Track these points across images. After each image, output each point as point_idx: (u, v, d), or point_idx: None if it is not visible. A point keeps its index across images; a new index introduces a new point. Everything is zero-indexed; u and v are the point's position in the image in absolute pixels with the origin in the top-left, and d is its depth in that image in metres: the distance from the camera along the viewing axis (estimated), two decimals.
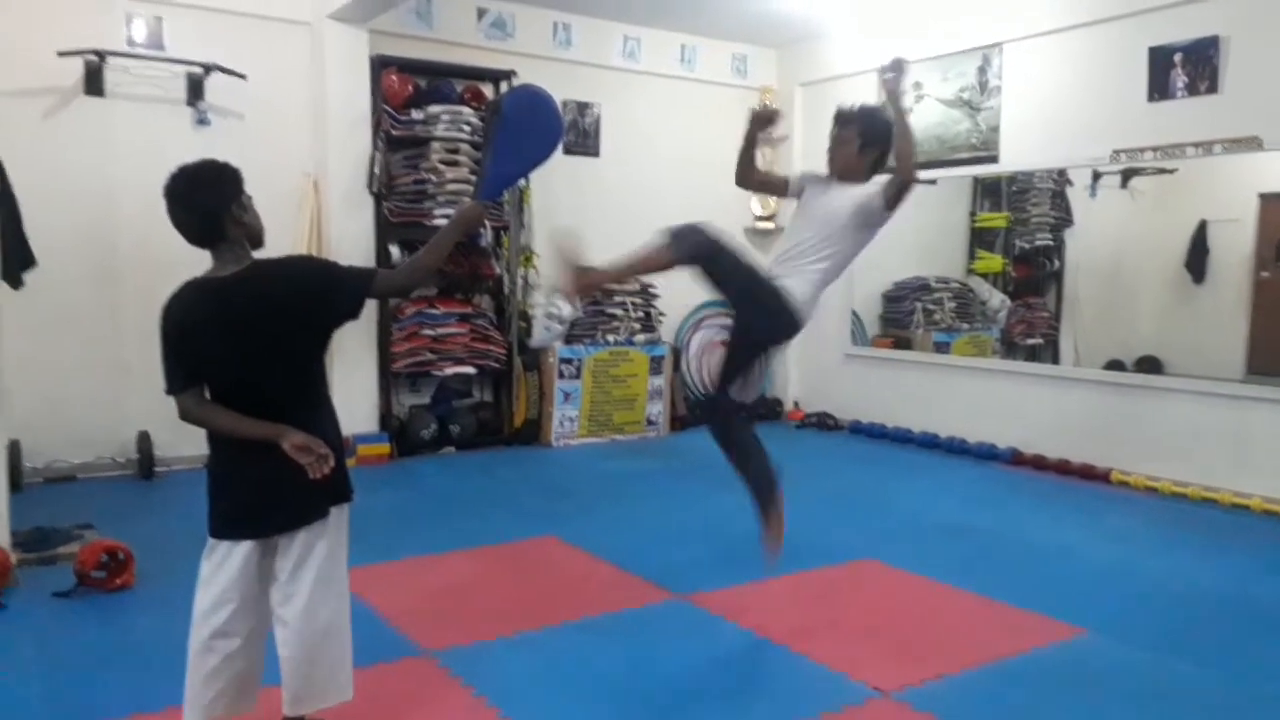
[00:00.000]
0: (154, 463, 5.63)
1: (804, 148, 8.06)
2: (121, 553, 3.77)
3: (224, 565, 2.30)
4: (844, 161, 3.58)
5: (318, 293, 2.29)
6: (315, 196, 6.21)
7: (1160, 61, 5.66)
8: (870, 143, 3.56)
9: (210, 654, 2.29)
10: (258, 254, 2.37)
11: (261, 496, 2.28)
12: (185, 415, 2.28)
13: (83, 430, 5.62)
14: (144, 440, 5.64)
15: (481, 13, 6.83)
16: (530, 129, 2.70)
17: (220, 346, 2.23)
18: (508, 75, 6.74)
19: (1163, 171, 6.05)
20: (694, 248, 3.43)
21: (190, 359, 2.25)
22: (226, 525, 2.31)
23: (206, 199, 2.24)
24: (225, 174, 2.29)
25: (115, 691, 2.93)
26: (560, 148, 2.81)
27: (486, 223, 6.49)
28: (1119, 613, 3.70)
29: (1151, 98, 5.72)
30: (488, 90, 6.84)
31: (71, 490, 5.37)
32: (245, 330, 2.23)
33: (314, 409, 2.35)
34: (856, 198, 3.48)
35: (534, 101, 2.84)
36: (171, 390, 2.28)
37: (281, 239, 6.18)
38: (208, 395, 2.29)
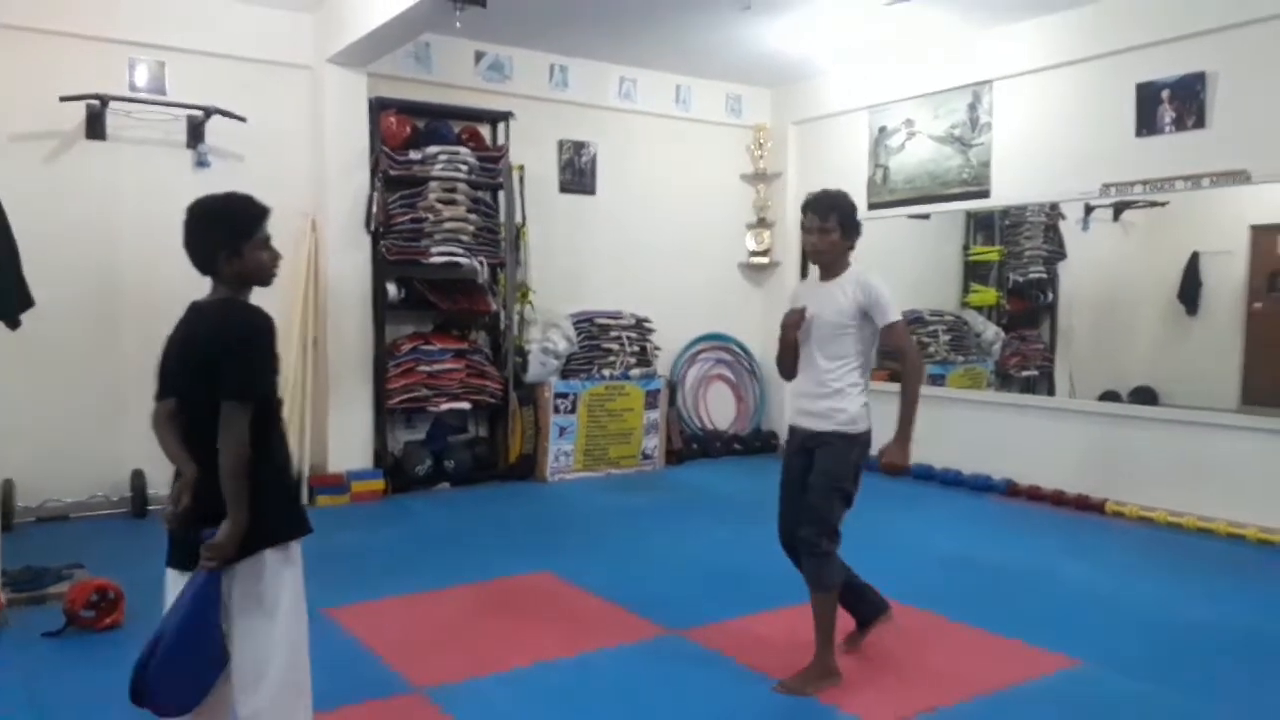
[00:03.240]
0: (147, 501, 5.62)
1: (797, 184, 8.15)
2: (112, 591, 3.76)
3: (169, 595, 2.34)
4: (830, 250, 3.42)
5: (212, 358, 2.26)
6: (313, 235, 6.28)
7: (1148, 97, 5.74)
8: (849, 229, 3.43)
9: None
10: (259, 292, 2.43)
11: (177, 529, 2.30)
12: (151, 421, 2.37)
13: (77, 469, 5.63)
14: (137, 478, 5.64)
15: (479, 55, 6.94)
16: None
17: (174, 364, 2.35)
18: (505, 116, 6.84)
19: (1154, 205, 6.10)
20: (838, 568, 3.39)
21: (161, 371, 2.38)
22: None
23: (205, 234, 2.32)
24: (232, 215, 2.34)
25: None
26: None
27: (483, 262, 6.55)
28: (1116, 644, 3.68)
29: (1140, 133, 5.79)
30: (485, 131, 6.93)
31: (64, 529, 5.36)
32: (185, 354, 2.32)
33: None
34: (853, 300, 3.36)
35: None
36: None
37: (279, 277, 6.28)
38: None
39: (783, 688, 3.29)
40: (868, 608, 3.58)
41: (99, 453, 5.67)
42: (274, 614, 2.30)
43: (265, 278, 2.43)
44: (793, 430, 3.50)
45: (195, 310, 2.39)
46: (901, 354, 3.43)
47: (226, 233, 2.32)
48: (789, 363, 3.51)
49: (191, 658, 2.22)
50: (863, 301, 3.34)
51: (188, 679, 2.24)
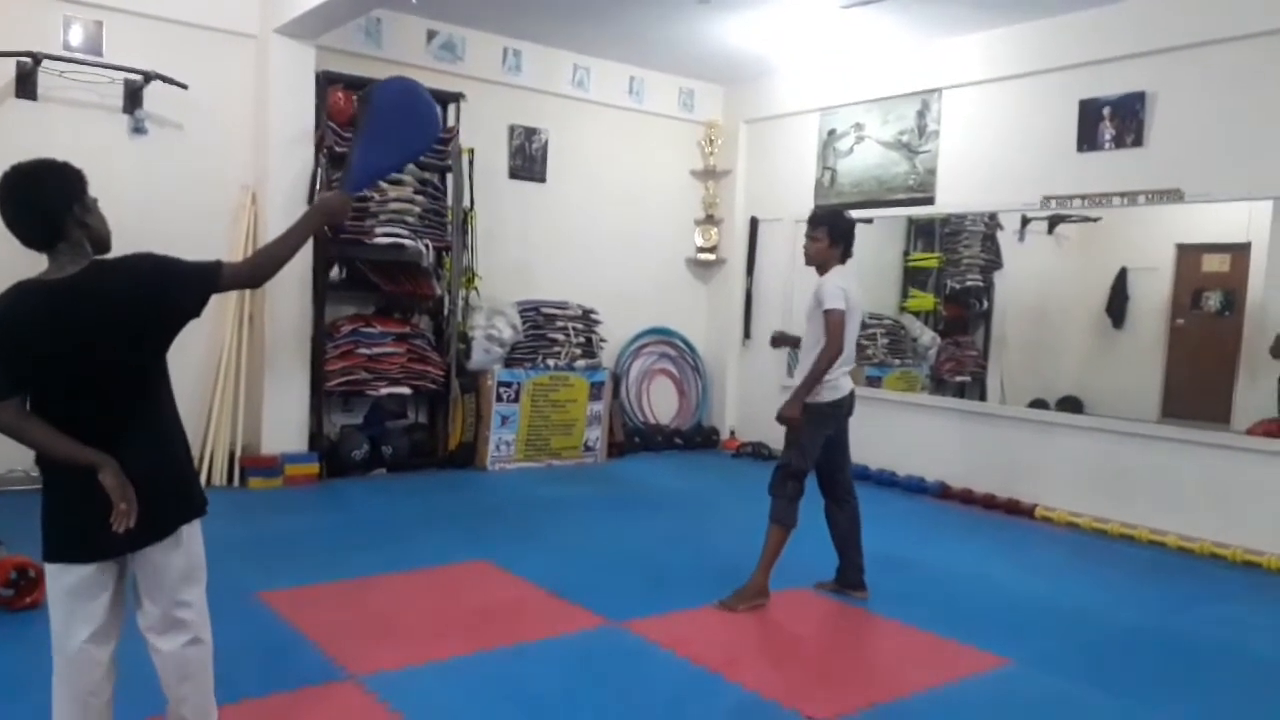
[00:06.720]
0: None
1: (746, 181, 8.20)
2: (32, 570, 3.61)
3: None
4: (817, 255, 4.25)
5: (159, 286, 2.17)
6: (252, 209, 6.11)
7: (1090, 114, 5.91)
8: (836, 239, 4.22)
9: None
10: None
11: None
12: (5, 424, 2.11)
13: None
14: None
15: (431, 34, 6.82)
16: (404, 121, 2.60)
17: (53, 350, 2.09)
18: (456, 97, 6.73)
19: (1087, 219, 6.29)
20: (796, 493, 4.08)
21: (18, 364, 2.10)
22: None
23: (48, 198, 2.12)
24: (67, 173, 2.18)
25: (22, 715, 2.80)
26: (432, 141, 2.83)
27: (429, 245, 6.43)
28: (1043, 644, 3.79)
29: (1080, 148, 5.96)
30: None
31: None
32: (81, 332, 2.10)
33: (148, 430, 2.22)
34: (814, 294, 4.19)
35: (407, 92, 2.73)
36: None
37: (216, 250, 6.08)
38: (28, 407, 2.15)
39: (720, 605, 3.95)
40: (844, 573, 4.29)
41: None
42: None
43: (109, 235, 2.25)
44: None
45: (59, 284, 2.11)
46: (825, 337, 4.07)
47: (73, 185, 2.17)
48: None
49: None
50: (817, 293, 4.14)
51: None
